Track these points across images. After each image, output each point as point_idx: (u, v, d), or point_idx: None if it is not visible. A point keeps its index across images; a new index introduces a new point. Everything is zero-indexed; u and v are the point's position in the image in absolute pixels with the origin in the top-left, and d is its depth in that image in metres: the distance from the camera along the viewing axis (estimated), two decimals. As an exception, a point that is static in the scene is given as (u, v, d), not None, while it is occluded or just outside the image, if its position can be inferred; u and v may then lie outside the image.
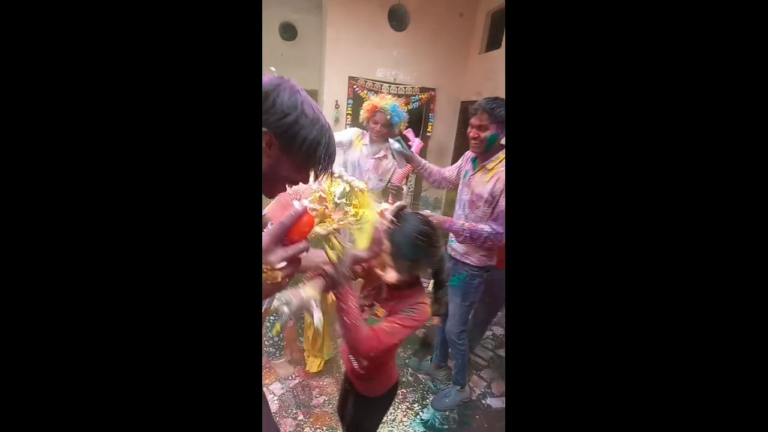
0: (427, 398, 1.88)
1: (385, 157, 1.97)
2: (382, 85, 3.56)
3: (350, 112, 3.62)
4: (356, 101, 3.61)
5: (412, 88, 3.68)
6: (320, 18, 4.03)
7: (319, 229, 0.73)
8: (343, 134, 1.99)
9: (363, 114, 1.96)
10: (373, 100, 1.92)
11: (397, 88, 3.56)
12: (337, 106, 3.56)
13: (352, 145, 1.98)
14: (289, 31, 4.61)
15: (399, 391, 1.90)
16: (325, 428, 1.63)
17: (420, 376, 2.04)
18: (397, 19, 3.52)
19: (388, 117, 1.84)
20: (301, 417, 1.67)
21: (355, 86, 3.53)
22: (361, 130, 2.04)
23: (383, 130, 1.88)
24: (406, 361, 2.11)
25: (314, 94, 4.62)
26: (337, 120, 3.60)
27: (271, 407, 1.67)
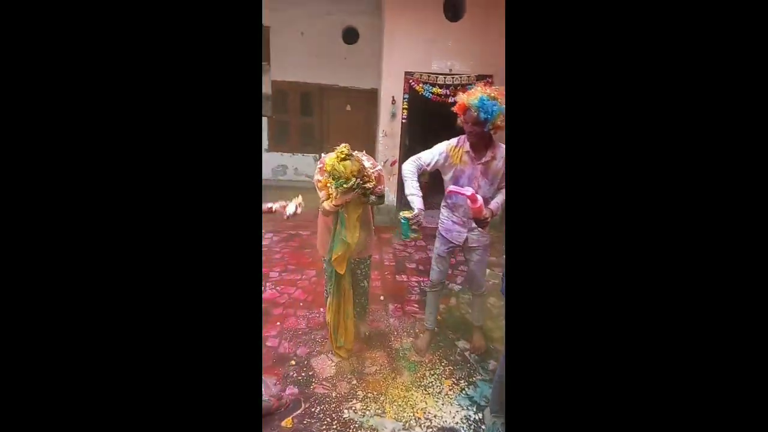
0: (474, 377, 1.92)
1: (492, 158, 1.72)
2: (437, 77, 3.61)
3: (406, 106, 3.74)
4: (412, 96, 3.72)
5: (468, 77, 3.66)
6: (379, 18, 4.23)
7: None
8: (431, 153, 1.78)
9: (459, 118, 1.72)
10: (461, 98, 1.65)
11: (453, 78, 3.58)
12: (393, 102, 3.72)
13: (449, 158, 1.77)
14: (351, 35, 4.90)
15: (446, 368, 1.98)
16: (375, 393, 1.79)
17: (467, 355, 2.08)
18: (453, 10, 3.54)
19: (475, 114, 1.60)
20: (354, 381, 1.86)
21: (411, 81, 3.64)
22: (454, 140, 1.79)
23: (475, 129, 1.64)
24: (455, 342, 2.17)
25: (374, 93, 4.86)
26: (393, 116, 3.75)
27: (328, 372, 1.89)
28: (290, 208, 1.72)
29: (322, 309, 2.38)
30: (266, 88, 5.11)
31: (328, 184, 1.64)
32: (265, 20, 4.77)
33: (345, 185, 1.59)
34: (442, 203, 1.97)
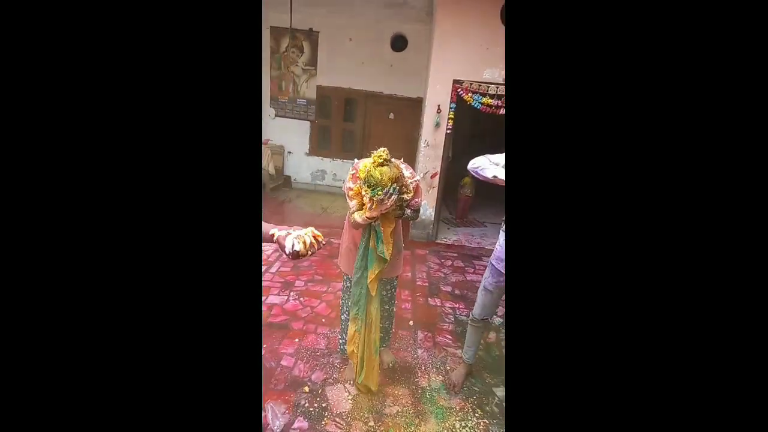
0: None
1: None
2: (488, 87, 3.34)
3: (452, 116, 3.50)
4: (460, 105, 3.47)
5: (524, 87, 3.34)
6: (430, 27, 4.07)
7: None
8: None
9: None
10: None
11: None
12: (438, 111, 3.49)
13: None
14: (399, 42, 4.79)
15: (480, 420, 1.67)
16: (394, 440, 1.54)
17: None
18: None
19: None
20: (371, 423, 1.62)
21: (459, 89, 3.40)
22: None
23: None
24: (493, 389, 1.86)
25: (419, 102, 4.68)
26: (437, 125, 3.53)
27: (343, 406, 1.67)
28: (288, 243, 0.98)
29: (344, 329, 2.18)
30: (311, 93, 5.14)
31: (362, 192, 1.45)
32: (315, 26, 4.83)
33: (381, 194, 1.39)
34: (503, 227, 1.69)
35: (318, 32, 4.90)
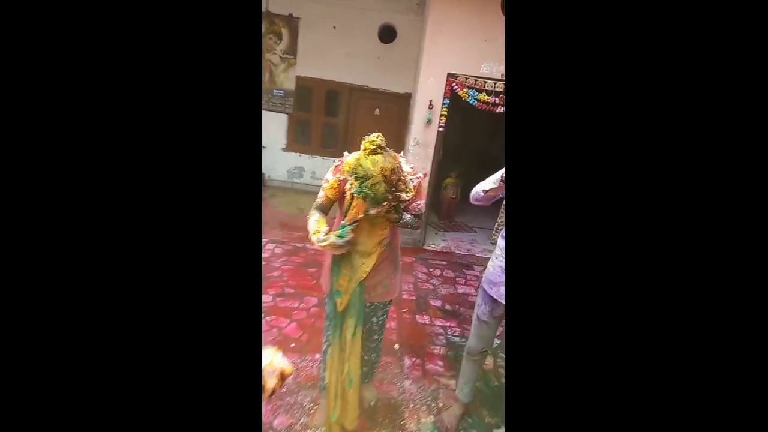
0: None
1: None
2: (485, 82, 3.07)
3: (445, 113, 3.22)
4: (454, 101, 3.19)
5: (522, 85, 3.10)
6: (422, 18, 3.78)
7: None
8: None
9: None
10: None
11: (504, 85, 3.03)
12: (430, 107, 3.20)
13: None
14: (387, 33, 4.47)
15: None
16: None
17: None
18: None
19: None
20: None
21: (454, 84, 3.12)
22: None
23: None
24: (494, 431, 1.56)
25: (407, 98, 4.39)
26: (429, 122, 3.23)
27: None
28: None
29: (317, 355, 1.82)
30: (290, 83, 4.74)
31: (348, 186, 1.12)
32: (296, 11, 4.45)
33: (371, 188, 1.06)
34: (499, 236, 1.39)
35: (299, 18, 4.50)
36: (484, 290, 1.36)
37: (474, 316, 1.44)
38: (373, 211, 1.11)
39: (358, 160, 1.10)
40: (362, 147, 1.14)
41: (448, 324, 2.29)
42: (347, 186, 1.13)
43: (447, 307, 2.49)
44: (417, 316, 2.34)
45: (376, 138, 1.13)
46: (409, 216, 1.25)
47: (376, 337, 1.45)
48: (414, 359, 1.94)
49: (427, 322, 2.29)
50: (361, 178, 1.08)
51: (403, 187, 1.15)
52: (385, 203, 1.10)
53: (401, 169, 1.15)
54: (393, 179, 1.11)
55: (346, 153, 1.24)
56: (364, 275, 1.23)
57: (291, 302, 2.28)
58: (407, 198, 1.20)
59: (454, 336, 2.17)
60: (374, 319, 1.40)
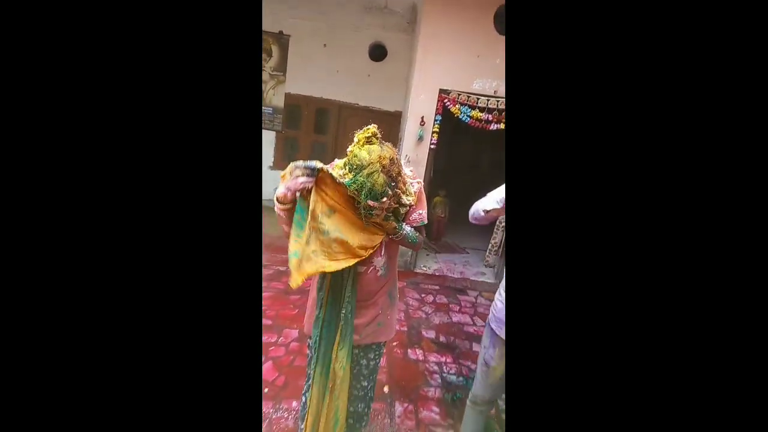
0: None
1: None
2: (478, 99, 2.97)
3: (437, 129, 3.09)
4: (446, 117, 3.08)
5: (516, 102, 3.01)
6: (412, 37, 3.74)
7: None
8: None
9: None
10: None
11: (498, 101, 2.93)
12: (422, 123, 3.08)
13: None
14: (378, 51, 4.42)
15: None
16: None
17: None
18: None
19: None
20: None
21: (446, 100, 3.02)
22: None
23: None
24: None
25: (398, 116, 4.30)
26: (420, 138, 3.10)
27: None
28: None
29: (295, 403, 1.57)
30: (279, 101, 4.63)
31: (338, 176, 0.92)
32: (286, 29, 4.39)
33: (368, 179, 0.89)
34: (503, 283, 1.19)
35: (289, 36, 4.44)
36: (492, 330, 1.15)
37: (480, 360, 1.23)
38: (372, 203, 0.91)
39: (352, 151, 0.93)
40: (355, 139, 0.96)
41: (443, 359, 2.06)
42: (338, 176, 0.92)
43: (441, 338, 2.26)
44: (409, 350, 2.10)
45: (372, 128, 0.96)
46: (410, 228, 1.05)
47: (366, 383, 1.21)
48: (406, 405, 1.69)
49: (420, 357, 2.05)
50: (356, 168, 0.90)
51: (403, 186, 0.97)
52: (385, 199, 0.92)
53: (400, 164, 0.98)
54: (392, 171, 0.93)
55: (336, 159, 1.05)
56: (352, 242, 0.97)
57: (268, 336, 2.03)
58: (408, 203, 1.01)
59: (450, 374, 1.94)
60: (363, 362, 1.18)
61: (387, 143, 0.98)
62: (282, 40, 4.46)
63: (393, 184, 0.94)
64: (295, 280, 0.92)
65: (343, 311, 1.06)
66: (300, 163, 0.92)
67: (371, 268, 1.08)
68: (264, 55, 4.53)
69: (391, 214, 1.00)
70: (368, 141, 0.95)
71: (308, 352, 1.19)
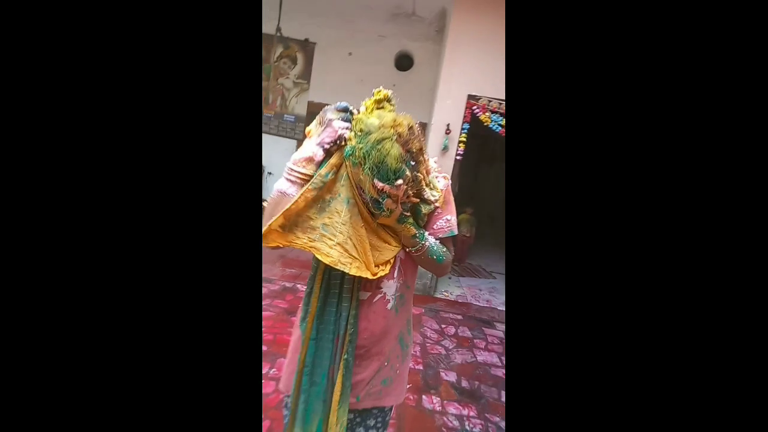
0: None
1: None
2: (512, 106, 2.66)
3: (464, 139, 2.79)
4: (475, 126, 2.78)
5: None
6: (440, 47, 3.52)
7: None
8: None
9: None
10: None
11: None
12: (447, 132, 2.79)
13: None
14: (404, 61, 4.24)
15: None
16: None
17: None
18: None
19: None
20: None
21: (474, 107, 2.72)
22: None
23: None
24: None
25: (423, 127, 4.06)
26: (445, 148, 2.81)
27: None
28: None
29: (276, 460, 1.26)
30: (301, 109, 4.52)
31: (346, 142, 0.69)
32: (312, 36, 4.32)
33: (376, 147, 0.62)
34: None
35: (314, 43, 4.36)
36: None
37: None
38: (381, 185, 0.63)
39: (360, 120, 0.67)
40: (363, 106, 0.70)
41: (464, 410, 1.68)
42: (346, 142, 0.68)
43: (464, 383, 1.89)
44: (424, 396, 1.74)
45: (383, 90, 0.71)
46: (434, 240, 0.75)
47: None
48: (415, 473, 1.34)
49: (437, 407, 1.69)
50: (361, 135, 0.64)
51: (425, 173, 0.69)
52: (400, 182, 0.63)
53: (423, 140, 0.69)
54: (412, 144, 0.65)
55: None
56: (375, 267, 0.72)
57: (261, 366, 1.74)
58: (434, 199, 0.73)
59: (474, 431, 1.56)
60: (360, 429, 0.85)
61: (407, 115, 0.70)
62: (307, 47, 4.39)
63: (412, 163, 0.65)
64: (273, 239, 0.70)
65: (345, 356, 0.75)
66: (331, 106, 0.70)
67: (379, 296, 0.77)
68: (288, 63, 4.47)
69: (408, 214, 0.70)
70: (379, 106, 0.68)
71: (284, 411, 0.88)
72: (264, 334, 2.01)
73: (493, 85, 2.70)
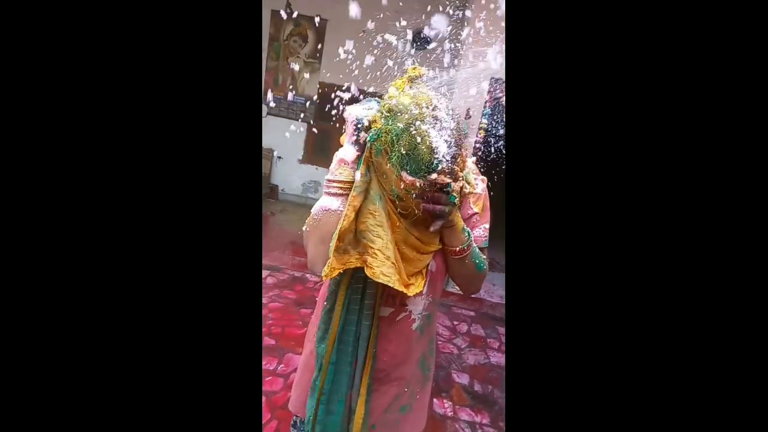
0: None
1: None
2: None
3: (484, 125, 2.62)
4: (497, 112, 2.59)
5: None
6: (460, 23, 3.28)
7: None
8: None
9: None
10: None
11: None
12: (467, 117, 2.62)
13: None
14: (421, 39, 3.99)
15: None
16: None
17: None
18: None
19: None
20: None
21: (497, 91, 2.53)
22: None
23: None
24: None
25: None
26: (465, 136, 2.64)
27: None
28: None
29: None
30: (312, 90, 4.35)
31: (374, 129, 0.57)
32: (324, 12, 4.09)
33: (407, 128, 0.51)
34: None
35: (327, 20, 4.14)
36: None
37: None
38: (410, 179, 0.53)
39: (389, 95, 0.58)
40: (393, 85, 0.60)
41: (477, 417, 1.61)
42: (374, 129, 0.57)
43: (477, 387, 1.81)
44: (435, 400, 1.67)
45: (417, 66, 0.61)
46: (471, 239, 0.64)
47: None
48: (425, 484, 1.28)
49: (449, 412, 1.62)
50: (395, 114, 0.53)
51: (462, 164, 0.58)
52: (436, 175, 0.53)
53: (462, 129, 0.59)
54: (450, 132, 0.54)
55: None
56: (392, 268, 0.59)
57: (266, 362, 1.70)
58: (469, 191, 0.65)
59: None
60: None
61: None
62: (319, 25, 4.18)
63: (449, 155, 0.53)
64: (333, 269, 0.58)
65: (368, 380, 0.67)
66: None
67: (403, 314, 0.67)
68: (299, 41, 4.27)
69: (447, 209, 0.56)
70: (413, 85, 0.58)
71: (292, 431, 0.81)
72: (272, 327, 1.96)
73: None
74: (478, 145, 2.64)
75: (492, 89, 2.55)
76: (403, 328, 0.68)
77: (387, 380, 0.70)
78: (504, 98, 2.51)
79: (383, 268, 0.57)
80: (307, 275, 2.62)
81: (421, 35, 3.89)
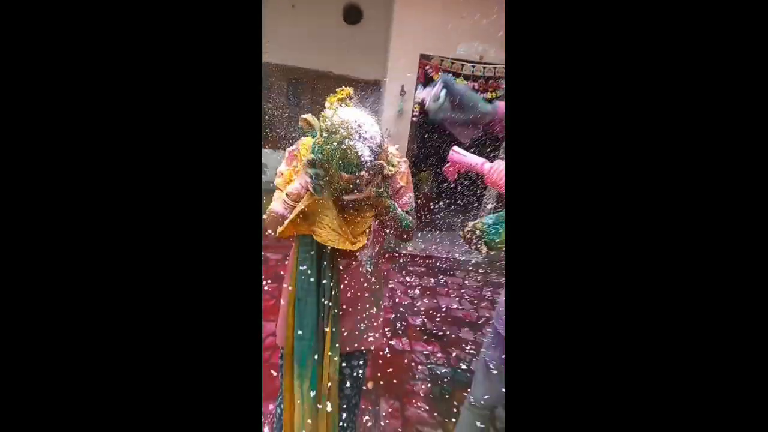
0: None
1: None
2: (463, 66, 2.73)
3: (419, 100, 2.85)
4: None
5: (504, 68, 2.78)
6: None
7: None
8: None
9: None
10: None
11: (484, 68, 2.69)
12: (402, 93, 2.82)
13: None
14: (353, 13, 4.02)
15: None
16: None
17: None
18: None
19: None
20: None
21: (428, 67, 2.75)
22: None
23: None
24: None
25: (377, 84, 3.99)
26: (400, 111, 2.86)
27: None
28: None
29: (270, 406, 1.43)
30: (246, 70, 4.20)
31: (310, 143, 0.80)
32: (250, -14, 3.90)
33: (337, 140, 0.72)
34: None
35: (253, -6, 3.95)
36: (499, 334, 1.02)
37: (481, 363, 1.11)
38: (345, 177, 0.74)
39: (322, 114, 0.77)
40: (326, 103, 0.80)
41: (431, 349, 1.96)
42: (309, 144, 0.80)
43: (429, 326, 2.16)
44: (394, 340, 1.99)
45: (346, 88, 0.81)
46: (401, 211, 0.90)
47: (353, 401, 1.05)
48: (391, 402, 1.59)
49: (406, 347, 1.95)
50: (327, 132, 0.73)
51: (385, 160, 0.80)
52: (363, 173, 0.74)
53: (384, 139, 0.81)
54: (371, 140, 0.75)
55: (302, 138, 0.90)
56: (333, 228, 0.85)
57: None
58: (390, 173, 0.85)
59: (438, 365, 1.84)
60: (347, 371, 1.02)
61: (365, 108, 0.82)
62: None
63: (373, 155, 0.75)
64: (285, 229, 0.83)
65: (334, 310, 0.92)
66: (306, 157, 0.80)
67: (355, 262, 0.94)
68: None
69: (383, 190, 0.82)
70: (342, 104, 0.80)
71: (279, 361, 1.03)
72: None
73: (444, 44, 2.73)
74: (414, 119, 2.88)
75: (422, 64, 2.76)
76: (356, 271, 0.93)
77: (349, 310, 0.96)
78: (434, 73, 2.74)
79: (330, 236, 0.84)
80: (269, 255, 2.75)
81: (352, 10, 3.91)
